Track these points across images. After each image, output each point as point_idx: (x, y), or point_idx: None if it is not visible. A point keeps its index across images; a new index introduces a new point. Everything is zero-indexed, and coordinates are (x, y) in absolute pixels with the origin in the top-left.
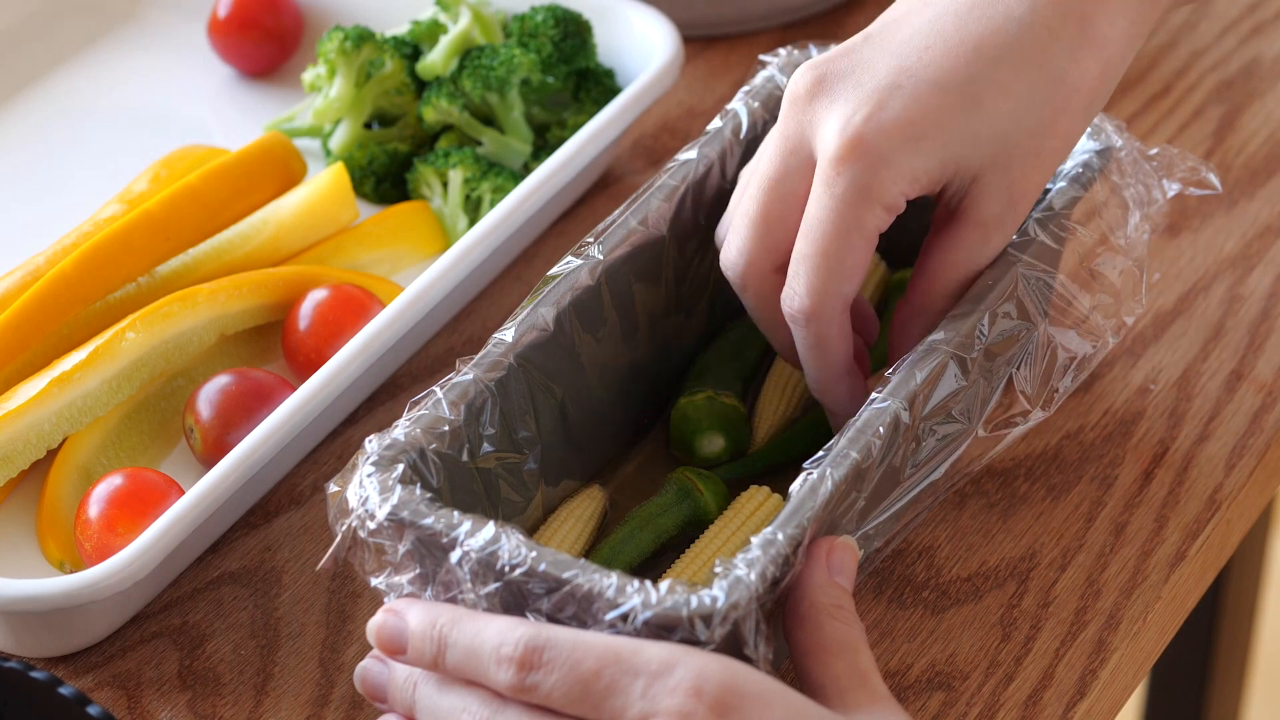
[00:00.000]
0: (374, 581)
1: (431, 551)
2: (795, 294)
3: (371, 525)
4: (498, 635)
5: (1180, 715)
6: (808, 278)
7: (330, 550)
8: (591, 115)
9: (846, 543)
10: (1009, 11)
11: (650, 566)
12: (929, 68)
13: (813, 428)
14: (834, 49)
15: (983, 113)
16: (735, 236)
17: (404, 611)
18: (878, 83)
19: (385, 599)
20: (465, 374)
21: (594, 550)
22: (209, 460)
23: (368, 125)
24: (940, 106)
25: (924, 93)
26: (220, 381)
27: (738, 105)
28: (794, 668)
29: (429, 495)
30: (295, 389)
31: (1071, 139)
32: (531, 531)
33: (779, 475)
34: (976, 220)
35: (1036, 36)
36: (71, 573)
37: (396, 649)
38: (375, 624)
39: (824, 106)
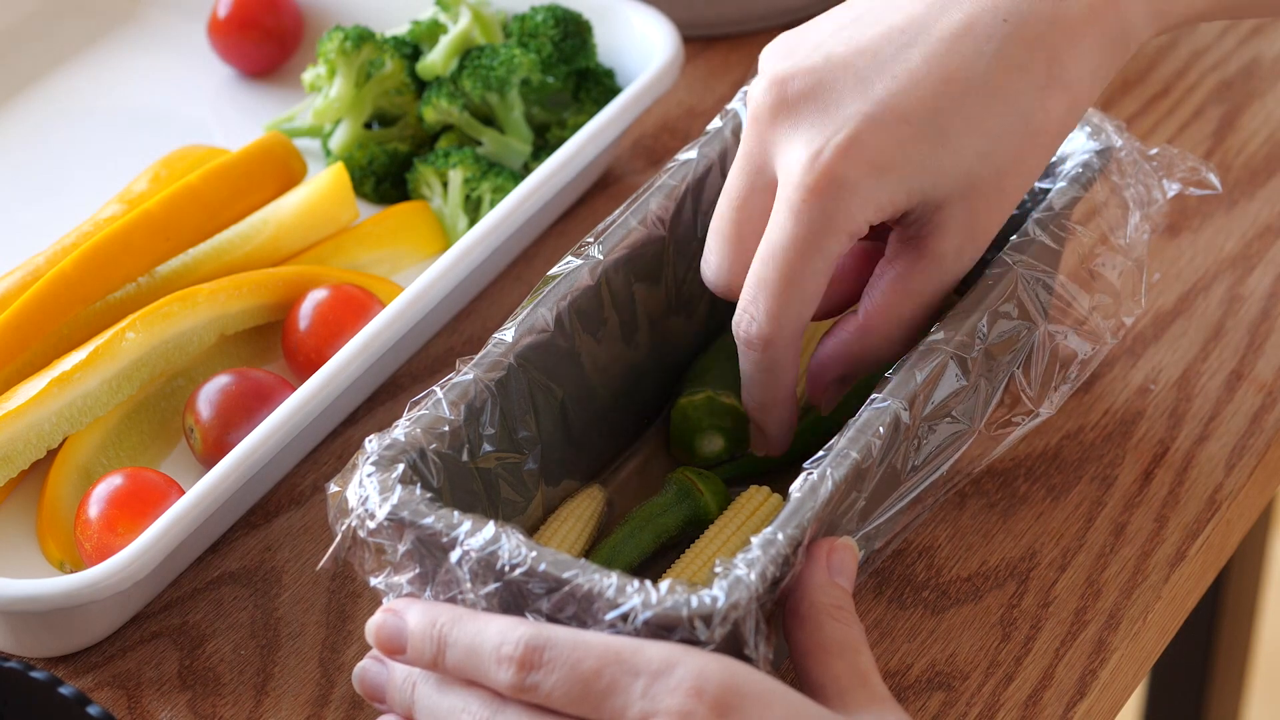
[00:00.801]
0: (373, 581)
1: (431, 551)
2: (753, 320)
3: (371, 525)
4: (498, 635)
5: (1180, 715)
6: (768, 302)
7: (330, 550)
8: (591, 115)
9: (846, 543)
10: (978, 47)
11: (650, 566)
12: (897, 97)
13: (813, 427)
14: (792, 62)
15: (948, 148)
16: (710, 252)
17: (403, 611)
18: (844, 111)
19: (384, 599)
20: (465, 374)
21: (594, 550)
22: (209, 460)
23: (368, 125)
24: (907, 139)
25: (890, 124)
26: (220, 381)
27: (738, 105)
28: (794, 668)
29: (429, 495)
30: (295, 389)
31: (1034, 175)
32: (531, 531)
33: (779, 475)
34: (935, 252)
35: (1006, 74)
36: (71, 573)
37: (396, 649)
38: (374, 624)
39: (787, 130)
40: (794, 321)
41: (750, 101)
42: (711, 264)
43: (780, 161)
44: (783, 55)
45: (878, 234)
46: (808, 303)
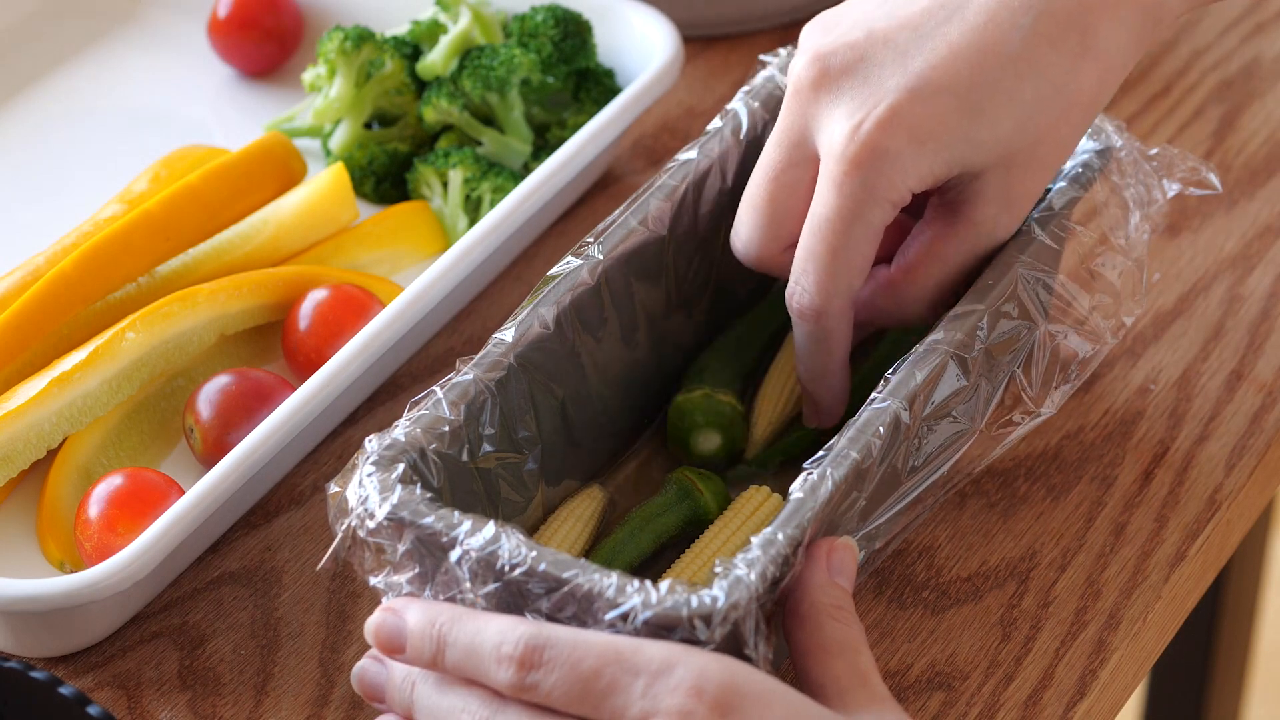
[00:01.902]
0: (373, 581)
1: (431, 551)
2: (804, 291)
3: (371, 525)
4: (498, 634)
5: (1180, 715)
6: (817, 274)
7: (330, 550)
8: (591, 115)
9: (846, 543)
10: (1014, 20)
11: (650, 566)
12: (936, 71)
13: (814, 428)
14: (834, 37)
15: (986, 119)
16: (743, 225)
17: (402, 610)
18: (885, 84)
19: (384, 598)
20: (465, 374)
21: (594, 550)
22: (209, 460)
23: (368, 125)
24: (946, 111)
25: (929, 96)
26: (220, 381)
27: (738, 105)
28: (794, 668)
29: (429, 495)
30: (295, 389)
31: (1069, 146)
32: (531, 531)
33: (779, 475)
34: (971, 218)
35: (1040, 46)
36: (72, 573)
37: (395, 648)
38: (373, 623)
39: (829, 103)
40: (843, 292)
41: (791, 76)
42: (742, 235)
43: (822, 135)
44: (823, 31)
45: (918, 204)
46: (856, 273)
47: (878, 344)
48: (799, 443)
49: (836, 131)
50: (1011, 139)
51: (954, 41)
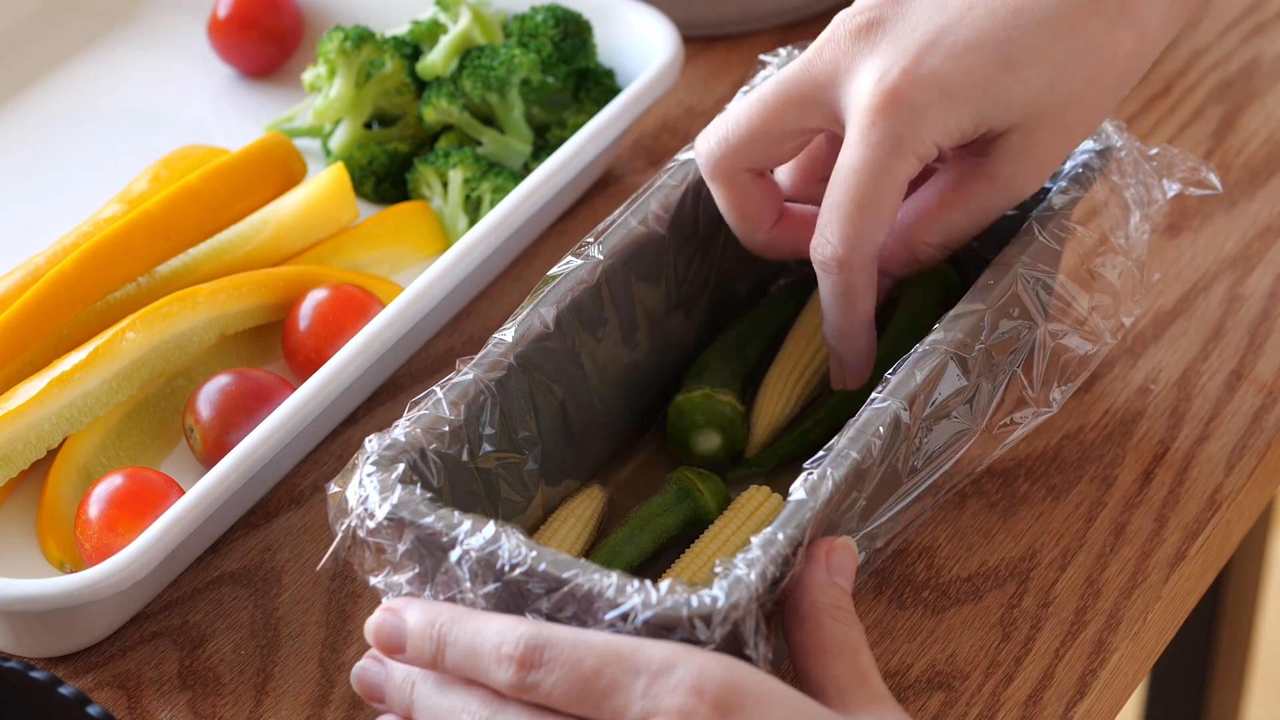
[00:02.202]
0: (373, 581)
1: (431, 551)
2: (827, 242)
3: (371, 525)
4: (498, 634)
5: (1180, 715)
6: (841, 225)
7: (330, 550)
8: (591, 115)
9: (846, 543)
10: None
11: (650, 566)
12: (969, 27)
13: (814, 428)
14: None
15: (1016, 75)
16: (721, 126)
17: (402, 610)
18: (917, 38)
19: (384, 598)
20: (465, 374)
21: (594, 550)
22: (209, 460)
23: (368, 125)
24: (974, 65)
25: (960, 51)
26: (220, 381)
27: None
28: (794, 668)
29: (429, 495)
30: (295, 389)
31: (1100, 113)
32: (531, 531)
33: (779, 475)
34: (992, 174)
35: (1077, 6)
36: (72, 573)
37: (395, 648)
38: (373, 623)
39: (864, 53)
40: (868, 244)
41: (836, 20)
42: (715, 136)
43: (851, 86)
44: None
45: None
46: (881, 225)
47: (881, 336)
48: (799, 442)
49: (866, 81)
50: (1041, 98)
51: None
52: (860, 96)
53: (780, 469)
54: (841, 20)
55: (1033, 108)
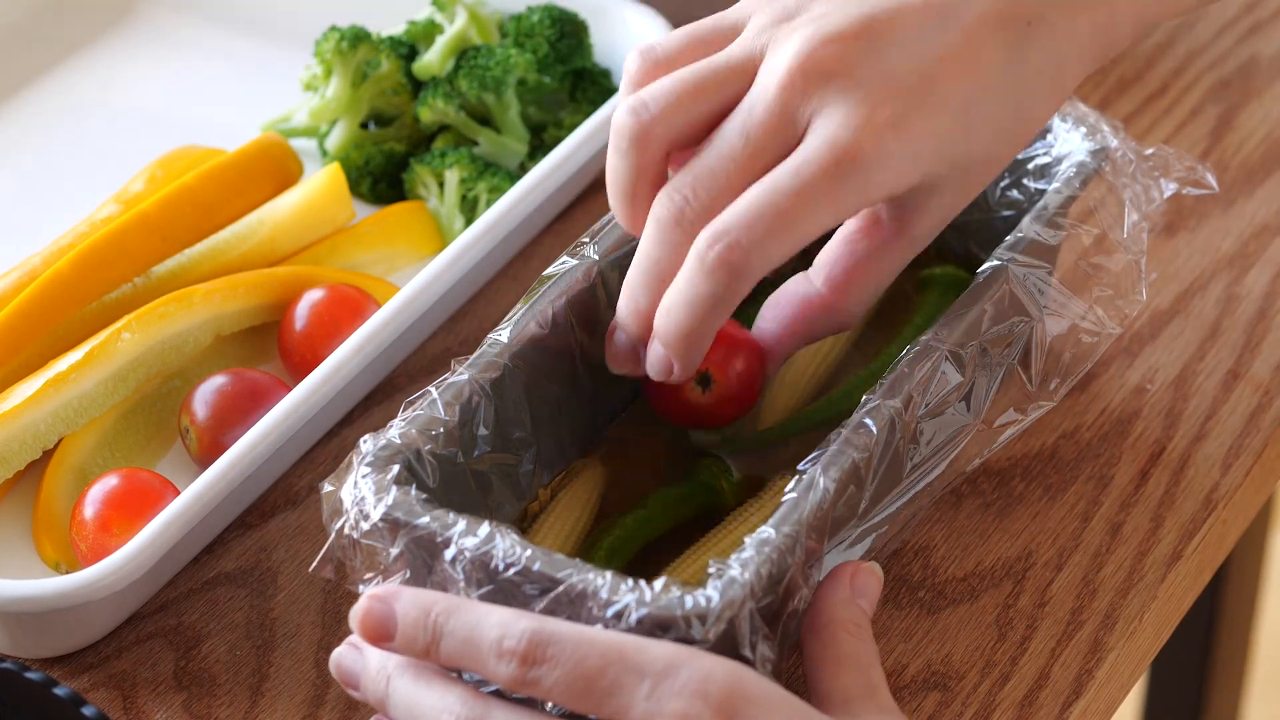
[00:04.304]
0: (361, 588)
1: (424, 554)
2: (738, 244)
3: (365, 526)
4: (499, 627)
5: (1179, 714)
6: (765, 234)
7: (322, 551)
8: (588, 115)
9: (871, 568)
10: (1009, 41)
11: (663, 549)
12: (942, 81)
13: (812, 420)
14: (843, 22)
15: (969, 140)
16: (701, 192)
17: (390, 598)
18: (900, 85)
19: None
20: (460, 374)
21: (603, 532)
22: (205, 461)
23: (364, 125)
24: (942, 127)
25: (936, 111)
26: (216, 382)
27: None
28: (804, 677)
29: (424, 496)
30: (291, 389)
31: (1003, 168)
32: (531, 522)
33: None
34: (912, 235)
35: (1026, 75)
36: (67, 573)
37: (383, 635)
38: (359, 610)
39: (840, 91)
40: (774, 260)
41: (795, 53)
42: (652, 103)
43: (823, 118)
44: (824, 10)
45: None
46: (790, 248)
47: (895, 338)
48: (823, 410)
49: (840, 117)
50: (979, 163)
51: (959, 52)
52: (835, 129)
53: (779, 466)
54: (808, 51)
55: (969, 168)
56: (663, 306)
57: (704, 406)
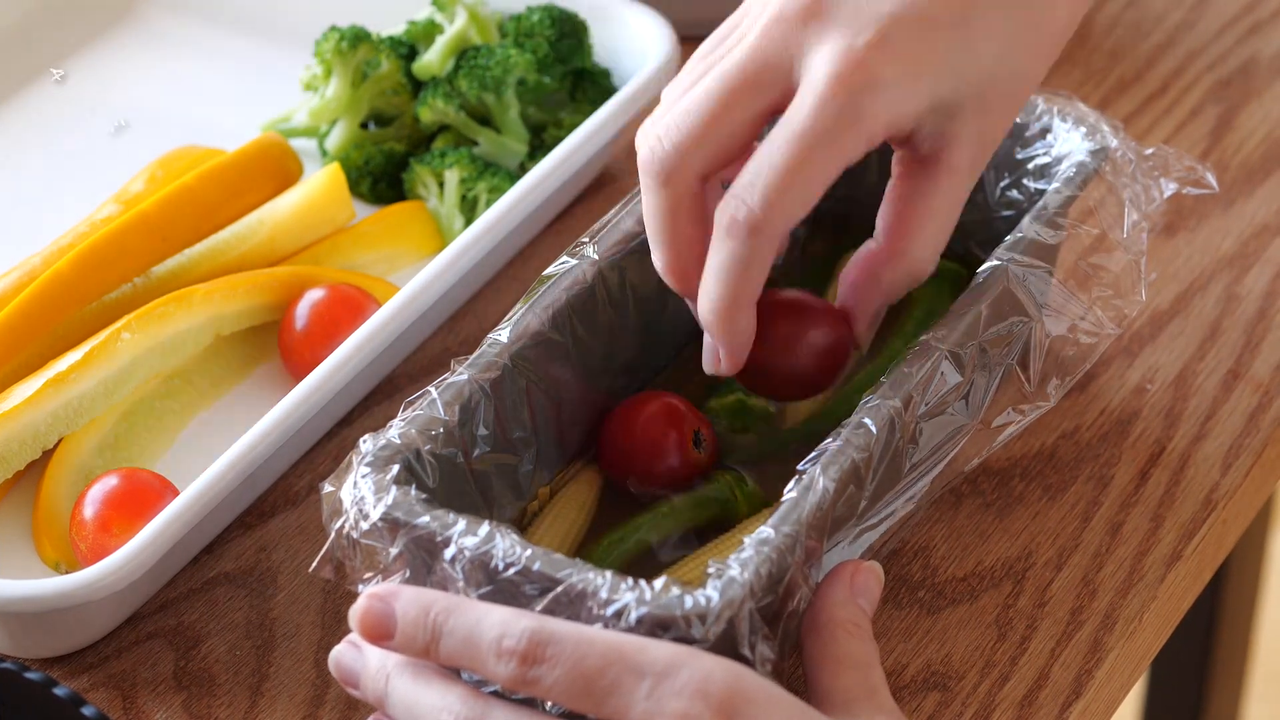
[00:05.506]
0: (360, 588)
1: (423, 554)
2: (744, 204)
3: (365, 526)
4: (499, 626)
5: (1180, 714)
6: (769, 187)
7: (322, 551)
8: (588, 115)
9: (872, 567)
10: None
11: (663, 561)
12: (928, 3)
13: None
14: None
15: (973, 53)
16: (673, 127)
17: (390, 597)
18: (877, 11)
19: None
20: (460, 374)
21: (610, 532)
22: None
23: (364, 125)
24: (937, 43)
25: (922, 26)
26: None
27: None
28: (804, 678)
29: (424, 496)
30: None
31: (1037, 81)
32: (530, 521)
33: (772, 468)
34: (952, 165)
35: None
36: (67, 573)
37: (382, 634)
38: (359, 609)
39: (817, 29)
40: (789, 215)
41: (774, 5)
42: (669, 138)
43: (807, 60)
44: None
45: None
46: (807, 200)
47: (894, 335)
48: (840, 408)
49: (825, 54)
50: (992, 73)
51: None
52: (820, 66)
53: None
54: (785, 1)
55: (983, 84)
56: (700, 286)
57: (782, 371)
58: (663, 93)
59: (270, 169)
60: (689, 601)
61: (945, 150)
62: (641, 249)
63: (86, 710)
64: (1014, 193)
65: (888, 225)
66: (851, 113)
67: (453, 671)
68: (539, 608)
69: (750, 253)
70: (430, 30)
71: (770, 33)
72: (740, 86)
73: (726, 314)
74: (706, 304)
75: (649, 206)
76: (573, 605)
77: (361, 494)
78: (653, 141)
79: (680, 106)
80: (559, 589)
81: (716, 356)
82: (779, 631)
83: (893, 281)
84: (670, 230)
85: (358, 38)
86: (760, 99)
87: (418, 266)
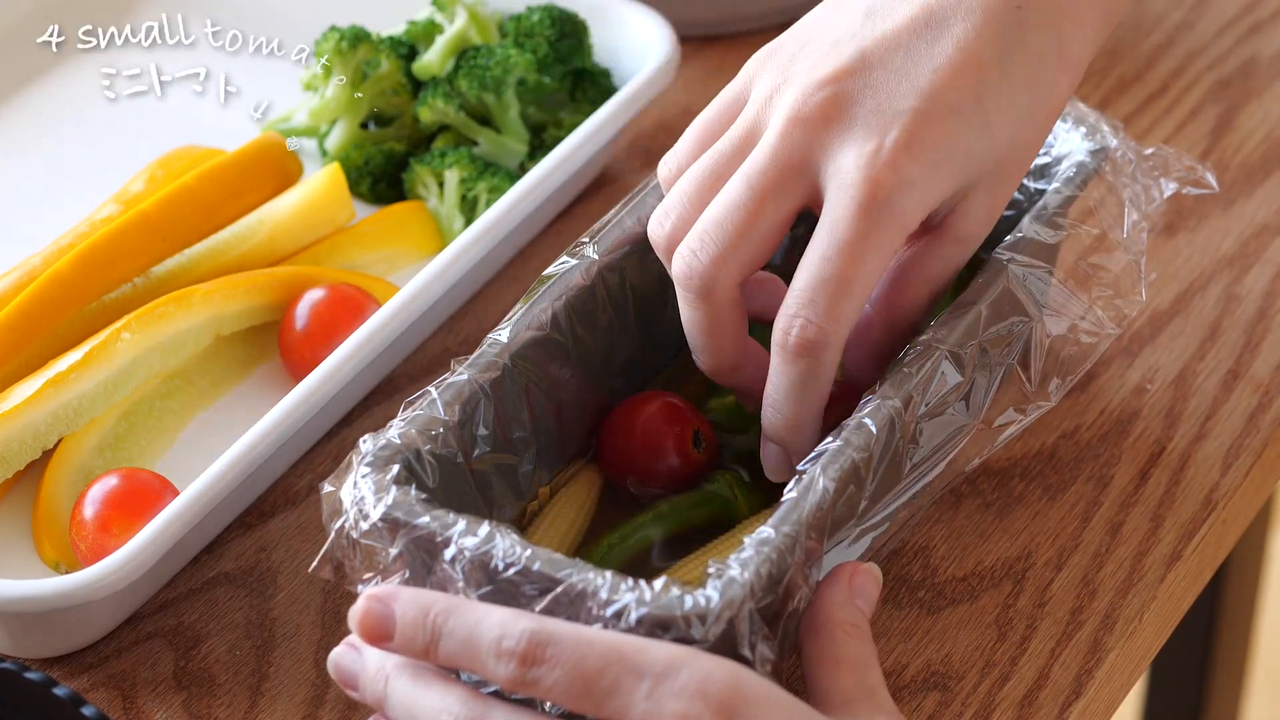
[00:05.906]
0: (360, 588)
1: (423, 554)
2: (812, 322)
3: (365, 526)
4: (499, 627)
5: (1180, 714)
6: (827, 304)
7: (322, 552)
8: (588, 115)
9: (870, 569)
10: (1002, 34)
11: (663, 561)
12: (941, 90)
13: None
14: (829, 63)
15: (990, 137)
16: (707, 240)
17: (389, 599)
18: (898, 107)
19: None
20: (460, 374)
21: (610, 531)
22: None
23: (364, 125)
24: (957, 132)
25: (942, 118)
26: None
27: None
28: (803, 678)
29: (424, 496)
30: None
31: (1037, 152)
32: (530, 521)
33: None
34: (958, 236)
35: (1027, 58)
36: (67, 573)
37: (382, 636)
38: (358, 610)
39: (840, 133)
40: (847, 325)
41: (791, 102)
42: (706, 253)
43: (835, 164)
44: (813, 60)
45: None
46: (861, 302)
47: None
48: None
49: (853, 158)
50: (1004, 152)
51: (952, 59)
52: (851, 171)
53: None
54: (804, 101)
55: (998, 162)
56: (765, 404)
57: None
58: (659, 167)
59: (270, 169)
60: (689, 602)
61: (955, 221)
62: (641, 249)
63: (86, 710)
64: (1014, 193)
65: (878, 292)
66: (889, 215)
67: (452, 673)
68: (539, 608)
69: (821, 368)
70: (430, 30)
71: (790, 135)
72: (768, 193)
73: (802, 428)
74: (779, 420)
75: (690, 319)
76: (572, 605)
77: (361, 494)
78: (687, 256)
79: (710, 217)
80: (559, 589)
81: (786, 463)
82: (779, 632)
83: (888, 349)
84: (716, 339)
85: (358, 38)
86: (787, 202)
87: (418, 266)
